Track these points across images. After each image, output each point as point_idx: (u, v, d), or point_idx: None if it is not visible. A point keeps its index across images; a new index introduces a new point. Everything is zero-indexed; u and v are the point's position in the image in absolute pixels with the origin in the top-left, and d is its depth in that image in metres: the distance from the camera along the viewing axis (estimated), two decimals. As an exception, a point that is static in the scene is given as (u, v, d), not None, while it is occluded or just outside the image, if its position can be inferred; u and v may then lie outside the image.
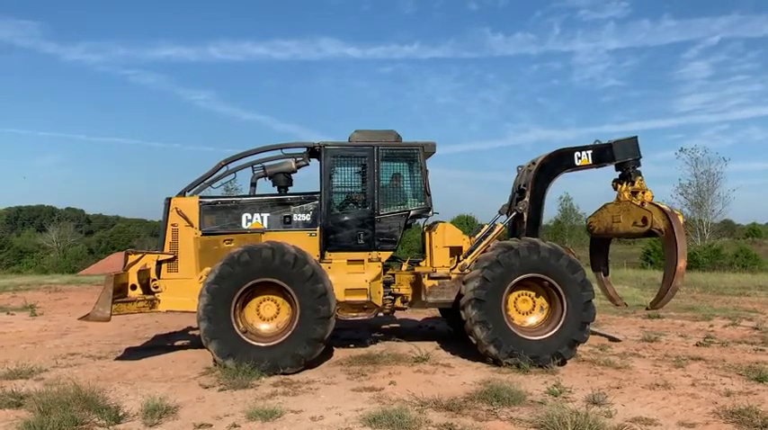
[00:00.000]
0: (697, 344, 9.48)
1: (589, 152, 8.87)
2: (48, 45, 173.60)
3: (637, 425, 5.45)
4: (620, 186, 9.13)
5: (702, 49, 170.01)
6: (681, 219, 8.50)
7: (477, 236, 8.75)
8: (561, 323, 7.85)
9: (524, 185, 8.86)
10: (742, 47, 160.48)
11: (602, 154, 8.91)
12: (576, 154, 8.85)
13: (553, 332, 7.85)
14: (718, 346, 9.34)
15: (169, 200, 8.26)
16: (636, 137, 9.00)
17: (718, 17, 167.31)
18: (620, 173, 9.16)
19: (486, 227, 8.89)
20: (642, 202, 8.69)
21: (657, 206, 8.55)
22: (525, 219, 8.70)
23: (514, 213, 8.81)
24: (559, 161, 8.85)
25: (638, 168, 9.00)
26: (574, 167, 8.88)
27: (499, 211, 9.22)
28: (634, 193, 8.90)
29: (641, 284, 21.44)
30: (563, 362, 7.87)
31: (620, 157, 8.91)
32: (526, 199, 8.71)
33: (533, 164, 8.95)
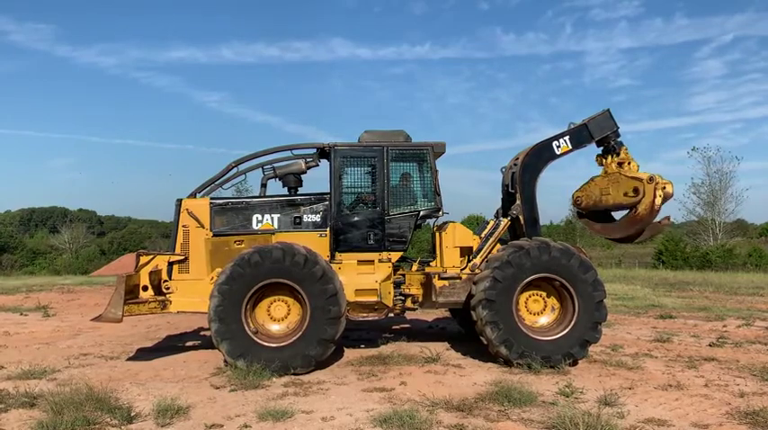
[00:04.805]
0: (710, 345, 9.40)
1: (566, 138, 8.74)
2: (61, 48, 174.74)
3: (649, 426, 5.41)
4: (605, 160, 8.95)
5: (716, 47, 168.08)
6: (670, 188, 8.36)
7: (484, 233, 8.70)
8: (573, 323, 7.81)
9: (512, 188, 8.81)
10: (756, 45, 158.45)
11: (579, 136, 8.78)
12: (554, 143, 8.72)
13: (564, 332, 7.81)
14: (732, 347, 9.25)
15: (180, 201, 8.31)
16: (608, 109, 8.82)
17: (731, 15, 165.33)
18: (602, 149, 9.00)
19: (492, 223, 8.84)
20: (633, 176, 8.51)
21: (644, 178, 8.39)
22: (523, 221, 8.65)
23: (509, 218, 8.75)
24: (539, 156, 8.74)
25: (618, 139, 8.84)
26: (555, 157, 8.74)
27: (494, 215, 9.19)
28: (620, 164, 8.75)
29: (653, 284, 21.31)
30: (574, 363, 7.83)
31: (598, 134, 8.75)
32: (518, 202, 8.66)
33: (515, 164, 8.88)
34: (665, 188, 8.34)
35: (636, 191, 8.42)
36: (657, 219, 8.51)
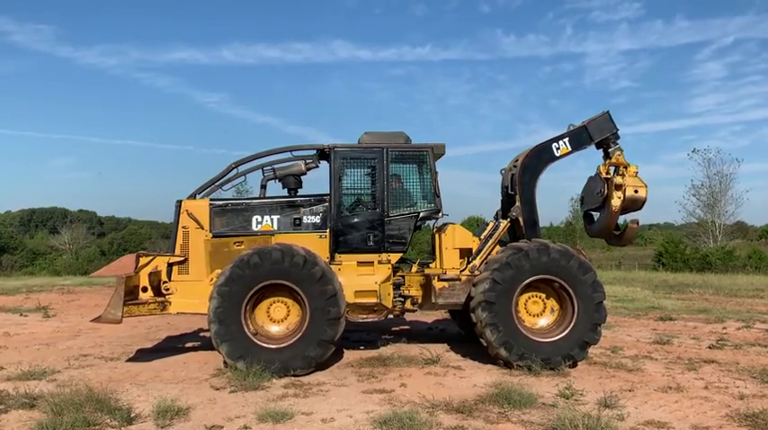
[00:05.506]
0: (710, 347, 9.39)
1: (566, 140, 8.74)
2: (63, 49, 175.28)
3: (649, 429, 5.42)
4: (600, 166, 8.91)
5: (716, 49, 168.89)
6: (642, 193, 8.41)
7: (483, 235, 8.70)
8: (572, 325, 7.81)
9: (512, 190, 8.82)
10: (756, 47, 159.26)
11: (579, 137, 8.77)
12: (554, 145, 8.72)
13: (564, 334, 7.80)
14: (732, 349, 9.25)
15: (180, 202, 8.31)
16: (608, 111, 8.82)
17: (732, 17, 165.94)
18: (602, 152, 8.98)
19: (491, 225, 8.84)
20: (607, 177, 8.58)
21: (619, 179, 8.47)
22: (522, 223, 8.66)
23: (509, 219, 8.75)
24: (539, 157, 8.74)
25: (617, 142, 8.82)
26: (555, 159, 8.75)
27: (494, 217, 9.19)
28: (616, 169, 8.74)
29: (653, 286, 21.30)
30: (574, 365, 7.82)
31: (598, 136, 8.73)
32: (518, 203, 8.66)
33: (515, 165, 8.89)
34: (636, 191, 8.40)
35: (600, 191, 8.55)
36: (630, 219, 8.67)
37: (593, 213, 9.35)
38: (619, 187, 8.39)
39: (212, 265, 8.12)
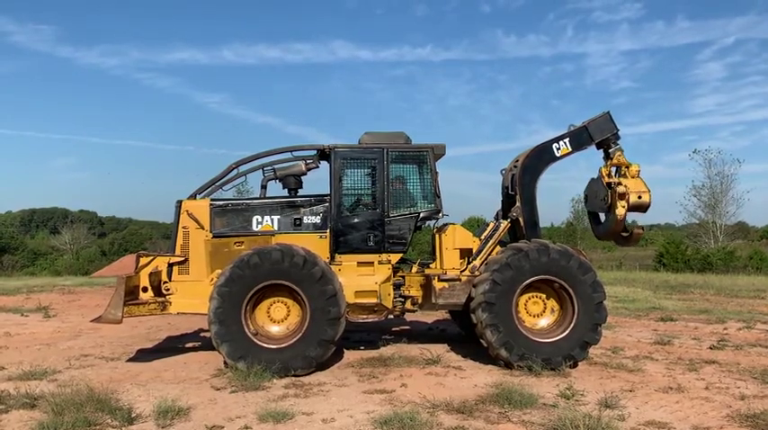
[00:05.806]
0: (711, 348, 9.39)
1: (566, 140, 8.75)
2: (63, 49, 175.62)
3: (650, 429, 5.41)
4: (602, 167, 8.94)
5: (717, 50, 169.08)
6: (646, 198, 8.42)
7: (483, 235, 8.70)
8: (572, 325, 7.80)
9: (512, 190, 8.83)
10: (757, 47, 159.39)
11: (579, 138, 8.77)
12: (555, 145, 8.73)
13: (564, 334, 7.80)
14: (733, 350, 9.25)
15: (180, 202, 8.31)
16: (608, 112, 8.82)
17: (733, 18, 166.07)
18: (603, 152, 8.98)
19: (492, 225, 8.84)
20: (609, 182, 8.59)
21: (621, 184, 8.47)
22: (522, 224, 8.66)
23: (509, 220, 8.75)
24: (540, 157, 8.75)
25: (617, 143, 8.82)
26: (555, 159, 8.76)
27: (494, 217, 9.19)
28: (618, 169, 8.76)
29: (654, 287, 21.28)
30: (575, 365, 7.82)
31: (598, 136, 8.74)
32: (518, 203, 8.66)
33: (515, 166, 8.89)
34: (639, 197, 8.41)
35: (604, 199, 8.60)
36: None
37: (599, 213, 9.36)
38: (622, 196, 8.39)
39: (212, 266, 8.12)
